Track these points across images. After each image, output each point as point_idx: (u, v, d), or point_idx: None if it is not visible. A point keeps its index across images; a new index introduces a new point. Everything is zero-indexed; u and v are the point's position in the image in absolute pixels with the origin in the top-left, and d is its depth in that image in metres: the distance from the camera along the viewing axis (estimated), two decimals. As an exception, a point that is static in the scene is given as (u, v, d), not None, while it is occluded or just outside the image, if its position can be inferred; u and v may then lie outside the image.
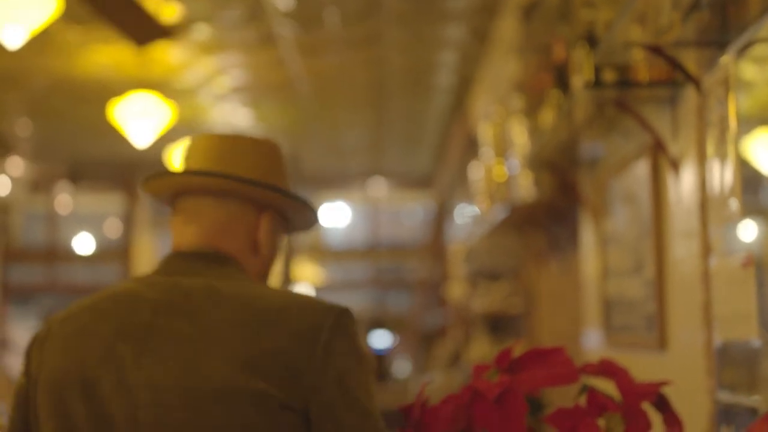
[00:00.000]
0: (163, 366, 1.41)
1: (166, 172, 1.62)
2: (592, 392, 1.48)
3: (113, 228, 11.29)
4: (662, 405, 1.53)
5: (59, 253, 10.97)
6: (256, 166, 1.61)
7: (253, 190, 1.59)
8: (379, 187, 11.44)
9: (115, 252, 11.03)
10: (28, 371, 1.54)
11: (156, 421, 1.39)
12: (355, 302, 11.33)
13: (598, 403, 1.47)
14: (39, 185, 10.55)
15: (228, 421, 1.37)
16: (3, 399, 2.16)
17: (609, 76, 2.49)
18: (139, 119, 6.48)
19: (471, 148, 6.26)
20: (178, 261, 1.56)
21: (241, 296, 1.46)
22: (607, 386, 1.50)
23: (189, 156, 1.63)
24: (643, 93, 2.49)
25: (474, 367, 1.58)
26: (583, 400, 1.48)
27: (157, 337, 1.43)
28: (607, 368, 1.55)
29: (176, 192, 1.61)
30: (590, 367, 1.57)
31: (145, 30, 5.23)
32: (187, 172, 1.60)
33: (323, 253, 11.61)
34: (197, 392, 1.38)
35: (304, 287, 10.99)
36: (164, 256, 1.59)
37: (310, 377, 1.39)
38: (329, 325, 1.43)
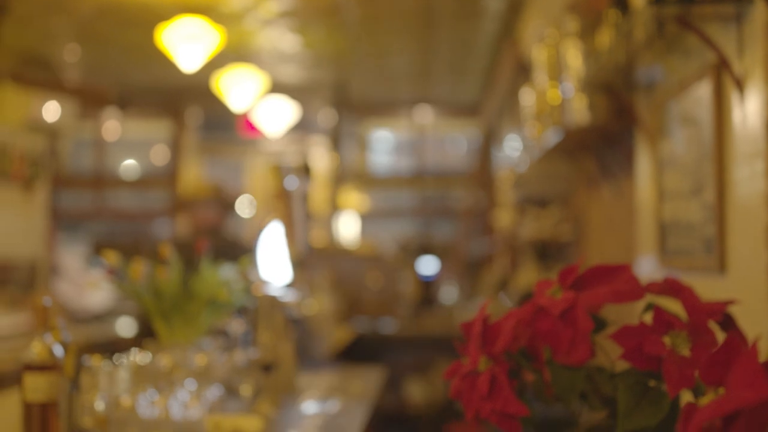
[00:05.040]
0: None
1: None
2: (657, 310, 1.45)
3: (160, 154, 11.34)
4: (728, 324, 1.51)
5: (107, 180, 11.06)
6: None
7: None
8: (425, 115, 11.37)
9: (161, 178, 11.10)
10: None
11: None
12: (401, 230, 11.34)
13: (663, 320, 1.44)
14: (87, 111, 10.60)
15: None
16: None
17: (671, -8, 2.42)
18: (187, 44, 6.47)
19: (520, 74, 6.17)
20: None
21: None
22: (671, 305, 1.48)
23: None
24: (708, 9, 2.41)
25: (537, 283, 1.56)
26: (647, 319, 1.46)
27: None
28: (672, 286, 1.52)
29: None
30: (655, 285, 1.55)
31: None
32: None
33: (369, 180, 11.59)
34: None
35: (349, 215, 11.00)
36: None
37: None
38: None
